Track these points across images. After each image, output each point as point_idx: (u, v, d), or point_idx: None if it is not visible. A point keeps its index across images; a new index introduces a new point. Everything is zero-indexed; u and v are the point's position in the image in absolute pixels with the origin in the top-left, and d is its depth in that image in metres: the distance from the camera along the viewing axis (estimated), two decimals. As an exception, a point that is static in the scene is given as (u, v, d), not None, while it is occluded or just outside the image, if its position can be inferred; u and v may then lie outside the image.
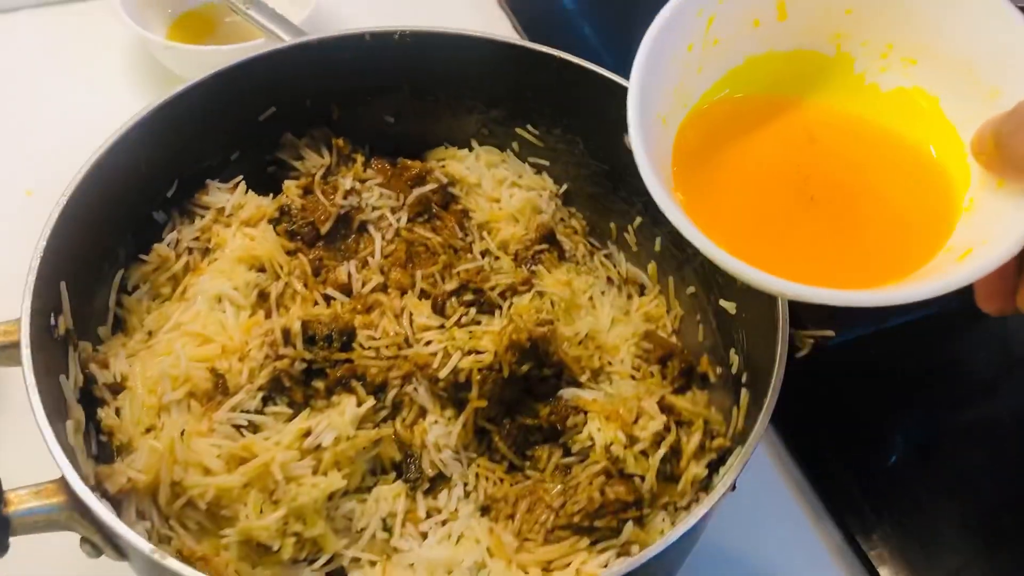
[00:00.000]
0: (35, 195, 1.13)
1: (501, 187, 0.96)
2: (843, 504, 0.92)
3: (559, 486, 0.75)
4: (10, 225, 1.08)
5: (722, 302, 0.82)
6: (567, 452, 0.78)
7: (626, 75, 0.58)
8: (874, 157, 0.60)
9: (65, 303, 0.71)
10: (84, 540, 0.60)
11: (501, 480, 0.77)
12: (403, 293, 0.84)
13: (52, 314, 0.69)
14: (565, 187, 0.97)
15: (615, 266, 0.96)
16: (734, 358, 0.80)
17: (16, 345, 0.63)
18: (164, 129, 0.80)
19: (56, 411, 0.62)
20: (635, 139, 0.54)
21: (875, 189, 0.59)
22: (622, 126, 0.87)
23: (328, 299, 0.83)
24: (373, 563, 0.72)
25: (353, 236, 0.88)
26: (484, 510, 0.75)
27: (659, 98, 0.57)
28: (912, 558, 0.88)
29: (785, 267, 0.51)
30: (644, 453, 0.75)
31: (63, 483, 0.58)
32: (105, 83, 1.29)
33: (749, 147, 0.61)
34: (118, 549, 0.59)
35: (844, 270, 0.56)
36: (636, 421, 0.76)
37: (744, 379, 0.77)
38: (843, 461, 0.95)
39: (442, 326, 0.80)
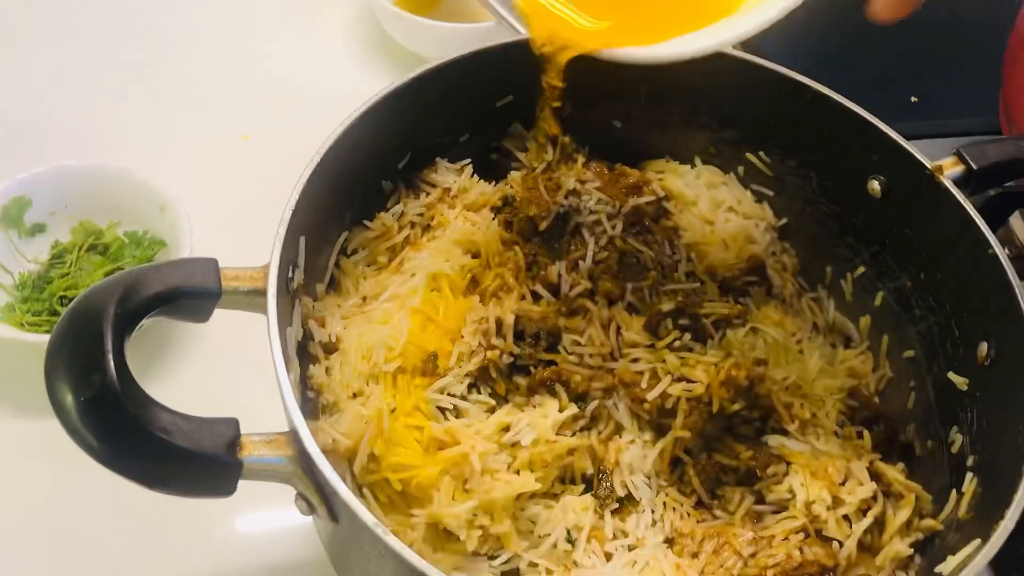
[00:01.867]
0: (251, 139, 1.17)
1: (718, 210, 0.93)
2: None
3: (750, 533, 0.72)
4: (228, 166, 1.13)
5: (951, 375, 0.77)
6: (760, 500, 0.75)
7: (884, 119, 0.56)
8: None
9: (302, 257, 0.72)
10: (300, 497, 0.61)
11: (688, 515, 0.74)
12: (610, 303, 0.82)
13: (291, 266, 0.70)
14: (784, 221, 0.93)
15: (823, 312, 0.92)
16: (956, 436, 0.75)
17: (261, 292, 0.64)
18: (409, 104, 0.81)
19: (287, 363, 0.63)
20: None
21: None
22: (867, 169, 0.84)
23: (536, 296, 0.82)
24: (551, 572, 0.71)
25: (567, 237, 0.87)
26: (668, 542, 0.73)
27: None
28: None
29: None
30: (847, 518, 0.72)
31: (293, 436, 0.59)
32: (325, 41, 1.33)
33: None
34: (332, 512, 0.60)
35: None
36: (843, 483, 0.72)
37: (970, 463, 0.71)
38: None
39: (652, 345, 0.77)
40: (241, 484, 0.59)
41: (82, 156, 1.01)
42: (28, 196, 0.96)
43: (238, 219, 0.98)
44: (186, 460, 0.56)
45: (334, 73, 1.29)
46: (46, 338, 0.84)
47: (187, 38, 1.29)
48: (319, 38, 1.33)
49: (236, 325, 0.92)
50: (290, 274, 0.70)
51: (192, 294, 0.62)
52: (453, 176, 0.87)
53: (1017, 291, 0.69)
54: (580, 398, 0.75)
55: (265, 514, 0.87)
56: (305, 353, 0.76)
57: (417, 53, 1.23)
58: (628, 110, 0.93)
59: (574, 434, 0.74)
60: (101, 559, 0.83)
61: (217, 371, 0.94)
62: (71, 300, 0.91)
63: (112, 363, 0.55)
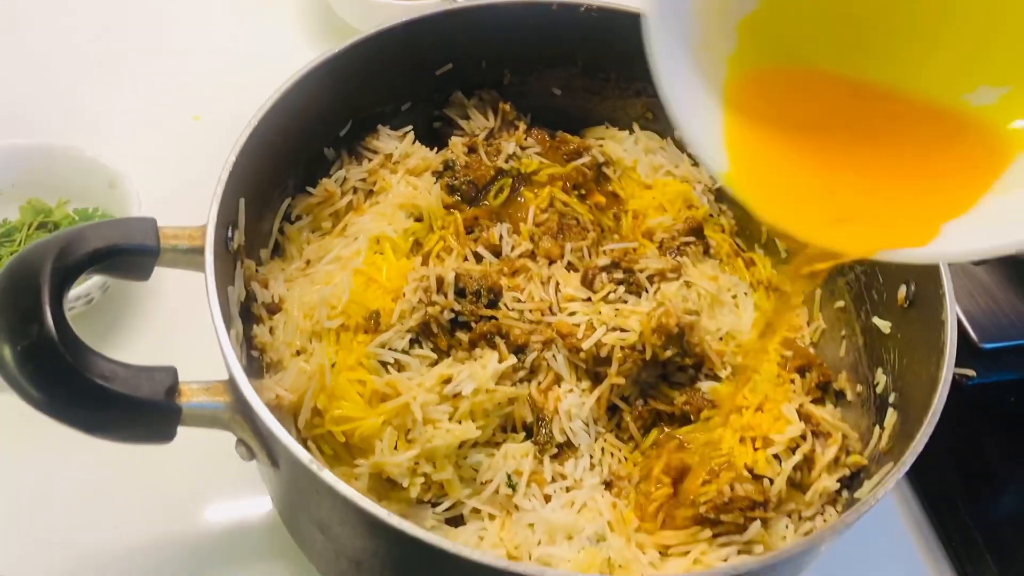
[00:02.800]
0: (202, 120, 1.18)
1: (656, 174, 0.96)
2: (964, 550, 0.89)
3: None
4: (179, 146, 1.14)
5: (875, 319, 0.80)
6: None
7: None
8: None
9: (241, 218, 0.74)
10: (240, 442, 0.62)
11: (625, 459, 0.77)
12: (550, 263, 0.85)
13: (230, 227, 0.72)
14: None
15: (760, 270, 0.94)
16: (881, 377, 0.78)
17: (199, 250, 0.66)
18: (347, 70, 0.83)
19: (225, 319, 0.65)
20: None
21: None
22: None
23: (478, 257, 0.84)
24: (493, 516, 0.73)
25: (508, 199, 0.89)
26: (606, 485, 0.75)
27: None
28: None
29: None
30: (777, 457, 0.74)
31: (231, 384, 0.60)
32: (277, 23, 1.34)
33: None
34: (271, 456, 0.62)
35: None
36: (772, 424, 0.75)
37: (892, 400, 0.74)
38: (968, 506, 0.91)
39: (588, 299, 0.80)
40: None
41: (30, 135, 1.01)
42: (-25, 175, 0.97)
43: (187, 197, 0.98)
44: (125, 406, 0.57)
45: (285, 55, 1.29)
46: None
47: (139, 18, 1.30)
48: (271, 20, 1.34)
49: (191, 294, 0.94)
50: (229, 234, 0.72)
51: (130, 251, 0.64)
52: (395, 143, 0.89)
53: (930, 232, 0.72)
54: (520, 350, 0.77)
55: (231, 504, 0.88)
56: (248, 314, 0.77)
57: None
58: (567, 78, 0.95)
59: (514, 385, 0.76)
60: (55, 534, 0.83)
61: (168, 341, 0.95)
62: (21, 276, 0.93)
63: (49, 313, 0.56)
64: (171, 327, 0.96)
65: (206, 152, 1.11)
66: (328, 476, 0.56)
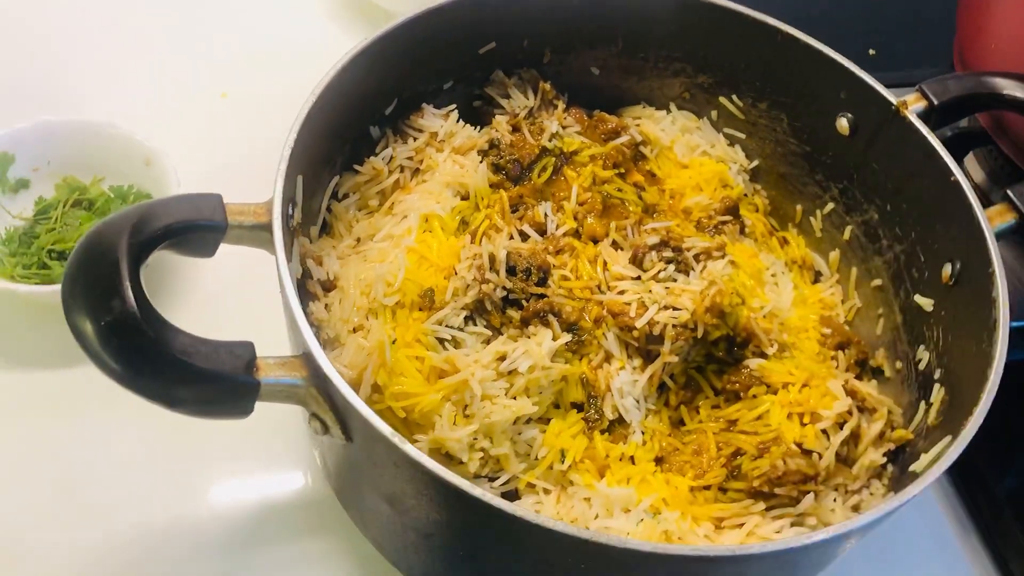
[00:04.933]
0: (229, 97, 1.18)
1: (692, 154, 0.97)
2: (994, 523, 0.91)
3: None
4: (208, 122, 1.14)
5: (917, 297, 0.82)
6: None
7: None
8: None
9: (299, 196, 0.74)
10: (314, 417, 0.63)
11: (669, 435, 0.78)
12: (595, 242, 0.85)
13: (290, 204, 0.72)
14: (756, 163, 0.98)
15: (793, 249, 0.96)
16: (923, 354, 0.80)
17: (265, 227, 0.66)
18: (397, 49, 0.83)
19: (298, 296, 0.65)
20: None
21: None
22: (835, 108, 0.88)
23: (523, 236, 0.84)
24: (547, 491, 0.74)
25: (552, 179, 0.89)
26: (657, 461, 0.77)
27: None
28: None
29: None
30: (825, 432, 0.76)
31: (307, 359, 0.61)
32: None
33: None
34: (346, 430, 0.62)
35: None
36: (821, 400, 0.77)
37: (937, 376, 0.76)
38: (997, 481, 0.93)
39: (638, 277, 0.81)
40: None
41: (64, 112, 1.01)
42: (11, 152, 0.96)
43: (220, 174, 0.98)
44: (205, 381, 0.58)
45: (308, 32, 1.29)
46: (38, 289, 0.86)
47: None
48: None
49: (228, 273, 0.94)
50: (290, 211, 0.72)
51: (200, 227, 0.64)
52: (439, 121, 0.89)
53: (978, 212, 0.74)
54: (571, 328, 0.78)
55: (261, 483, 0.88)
56: (304, 291, 0.78)
57: (390, 11, 1.25)
58: (605, 57, 0.96)
59: (567, 362, 0.77)
60: (92, 509, 0.83)
61: (210, 319, 0.95)
62: (60, 254, 0.93)
63: (130, 288, 0.56)
64: (212, 305, 0.96)
65: (234, 128, 1.13)
66: (410, 449, 0.57)
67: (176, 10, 1.27)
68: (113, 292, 0.56)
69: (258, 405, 0.61)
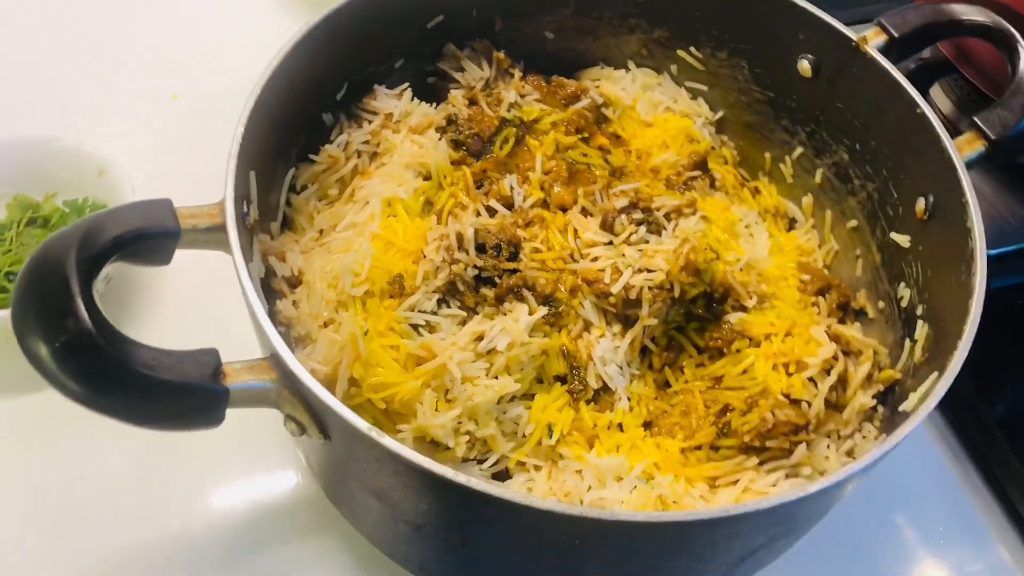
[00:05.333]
0: (180, 99, 1.15)
1: (655, 111, 0.95)
2: (988, 451, 0.91)
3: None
4: (161, 126, 1.11)
5: (893, 235, 0.81)
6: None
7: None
8: None
9: (254, 192, 0.72)
10: (289, 418, 0.61)
11: (658, 398, 0.77)
12: (564, 211, 0.84)
13: (244, 202, 0.70)
14: (721, 114, 0.96)
15: (766, 198, 0.94)
16: (904, 292, 0.79)
17: (219, 228, 0.64)
18: (342, 30, 0.80)
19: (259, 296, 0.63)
20: None
21: None
22: (796, 50, 0.86)
23: (491, 211, 0.83)
24: (538, 468, 0.73)
25: (514, 150, 0.87)
26: (646, 425, 0.76)
27: None
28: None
29: None
30: (811, 380, 0.75)
31: (275, 360, 0.59)
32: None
33: None
34: (323, 429, 0.61)
35: None
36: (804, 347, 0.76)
37: (920, 312, 0.75)
38: (987, 409, 0.93)
39: (610, 243, 0.79)
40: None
41: (7, 128, 0.98)
42: (-45, 176, 0.93)
43: (178, 178, 0.95)
44: (173, 393, 0.56)
45: (254, 24, 1.26)
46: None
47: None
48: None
49: (190, 279, 0.92)
50: (244, 209, 0.70)
51: (152, 235, 0.62)
52: (393, 102, 0.87)
53: (946, 142, 0.73)
54: (547, 300, 0.77)
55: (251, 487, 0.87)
56: (269, 290, 0.76)
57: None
58: (559, 20, 0.94)
59: (546, 335, 0.76)
60: (81, 534, 0.81)
61: (175, 328, 0.93)
62: (18, 275, 0.90)
63: (82, 306, 0.54)
64: (176, 316, 0.94)
65: (187, 129, 1.10)
66: (389, 442, 0.55)
67: (117, 15, 1.24)
68: (65, 311, 0.54)
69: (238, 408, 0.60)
